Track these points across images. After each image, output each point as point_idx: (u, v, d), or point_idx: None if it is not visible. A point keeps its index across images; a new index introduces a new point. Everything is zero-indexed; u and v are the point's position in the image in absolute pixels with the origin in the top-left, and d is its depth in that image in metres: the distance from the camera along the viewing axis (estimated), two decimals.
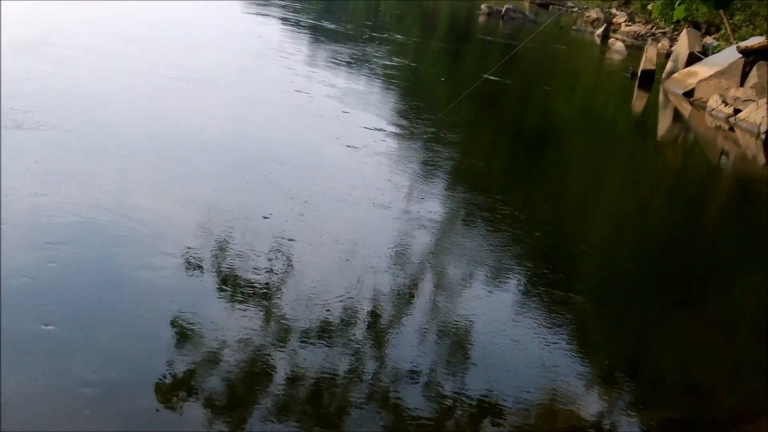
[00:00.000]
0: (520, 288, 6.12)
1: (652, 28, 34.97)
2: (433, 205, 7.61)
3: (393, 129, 10.37)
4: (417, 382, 4.54)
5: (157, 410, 3.94)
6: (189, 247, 5.64)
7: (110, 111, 8.80)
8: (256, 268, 5.51)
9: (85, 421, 3.75)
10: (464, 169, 9.62)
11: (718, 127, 15.32)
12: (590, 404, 4.71)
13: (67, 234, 5.53)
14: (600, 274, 7.19)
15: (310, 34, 19.82)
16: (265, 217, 6.42)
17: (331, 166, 8.38)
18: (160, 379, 4.15)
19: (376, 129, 10.04)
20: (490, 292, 6.00)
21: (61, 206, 5.91)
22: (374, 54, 17.59)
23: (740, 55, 16.66)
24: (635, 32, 34.92)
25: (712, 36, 27.56)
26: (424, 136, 10.44)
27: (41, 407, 3.80)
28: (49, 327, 4.39)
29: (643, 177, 11.46)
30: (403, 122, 11.10)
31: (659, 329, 6.03)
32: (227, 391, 4.17)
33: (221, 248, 5.73)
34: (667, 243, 8.42)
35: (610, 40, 30.68)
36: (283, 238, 6.07)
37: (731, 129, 15.13)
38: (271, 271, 5.53)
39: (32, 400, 3.83)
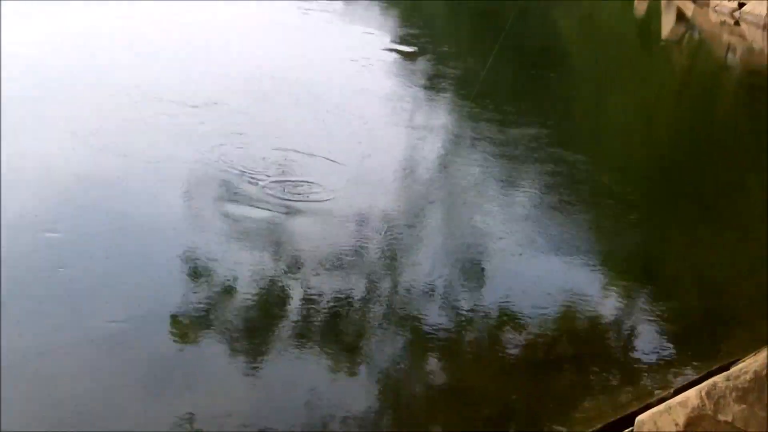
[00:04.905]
0: (532, 199, 6.06)
1: None
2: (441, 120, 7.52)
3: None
4: (433, 298, 4.51)
5: None
6: None
7: None
8: None
9: None
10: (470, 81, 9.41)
11: (723, 23, 14.98)
12: (608, 305, 4.70)
13: None
14: (614, 183, 7.06)
15: None
16: None
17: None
18: None
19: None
20: (501, 204, 5.96)
21: None
22: None
23: None
24: None
25: None
26: None
27: None
28: None
29: (648, 80, 11.24)
30: None
31: (674, 232, 5.97)
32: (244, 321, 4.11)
33: None
34: (678, 146, 8.26)
35: None
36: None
37: (736, 23, 14.80)
38: None
39: None
